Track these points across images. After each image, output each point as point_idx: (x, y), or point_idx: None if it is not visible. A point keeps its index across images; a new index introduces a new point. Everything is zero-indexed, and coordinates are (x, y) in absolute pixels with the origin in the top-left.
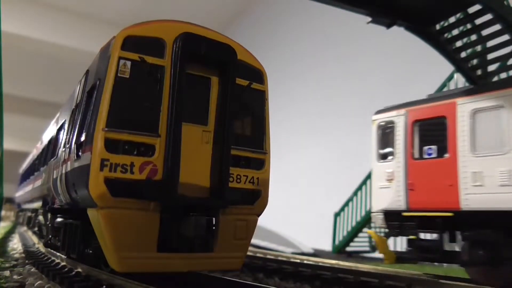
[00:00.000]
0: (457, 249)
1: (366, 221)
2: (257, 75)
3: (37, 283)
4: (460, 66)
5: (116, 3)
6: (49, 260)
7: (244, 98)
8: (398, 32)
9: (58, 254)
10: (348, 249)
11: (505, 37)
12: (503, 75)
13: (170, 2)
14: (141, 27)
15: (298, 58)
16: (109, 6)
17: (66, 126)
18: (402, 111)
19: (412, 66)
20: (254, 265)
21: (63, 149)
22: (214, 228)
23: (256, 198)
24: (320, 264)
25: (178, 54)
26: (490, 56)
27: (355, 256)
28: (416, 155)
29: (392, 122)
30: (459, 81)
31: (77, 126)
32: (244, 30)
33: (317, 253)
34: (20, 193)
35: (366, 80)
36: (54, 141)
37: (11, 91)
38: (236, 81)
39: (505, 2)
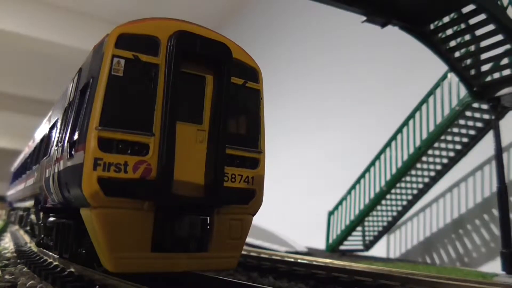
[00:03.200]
0: None
1: (360, 220)
2: (252, 73)
3: (29, 283)
4: (453, 65)
5: (112, 1)
6: (41, 260)
7: (239, 97)
8: (393, 33)
9: (50, 253)
10: (342, 247)
11: (499, 37)
12: (496, 75)
13: (166, 1)
14: (135, 25)
15: (296, 58)
16: (104, 4)
17: (58, 124)
18: None
19: (406, 67)
20: (249, 264)
21: (56, 148)
22: (208, 227)
23: (250, 197)
24: (314, 263)
25: (172, 52)
26: (484, 56)
27: (349, 255)
28: None
29: None
30: (453, 80)
31: (70, 124)
32: (242, 29)
33: (311, 252)
34: (11, 192)
35: (361, 81)
36: (46, 140)
37: (3, 88)
38: (231, 80)
39: (498, 2)
